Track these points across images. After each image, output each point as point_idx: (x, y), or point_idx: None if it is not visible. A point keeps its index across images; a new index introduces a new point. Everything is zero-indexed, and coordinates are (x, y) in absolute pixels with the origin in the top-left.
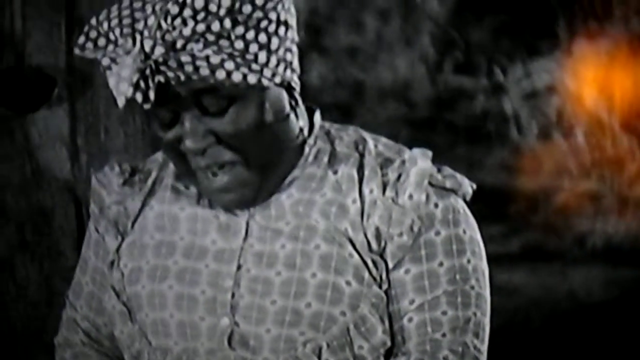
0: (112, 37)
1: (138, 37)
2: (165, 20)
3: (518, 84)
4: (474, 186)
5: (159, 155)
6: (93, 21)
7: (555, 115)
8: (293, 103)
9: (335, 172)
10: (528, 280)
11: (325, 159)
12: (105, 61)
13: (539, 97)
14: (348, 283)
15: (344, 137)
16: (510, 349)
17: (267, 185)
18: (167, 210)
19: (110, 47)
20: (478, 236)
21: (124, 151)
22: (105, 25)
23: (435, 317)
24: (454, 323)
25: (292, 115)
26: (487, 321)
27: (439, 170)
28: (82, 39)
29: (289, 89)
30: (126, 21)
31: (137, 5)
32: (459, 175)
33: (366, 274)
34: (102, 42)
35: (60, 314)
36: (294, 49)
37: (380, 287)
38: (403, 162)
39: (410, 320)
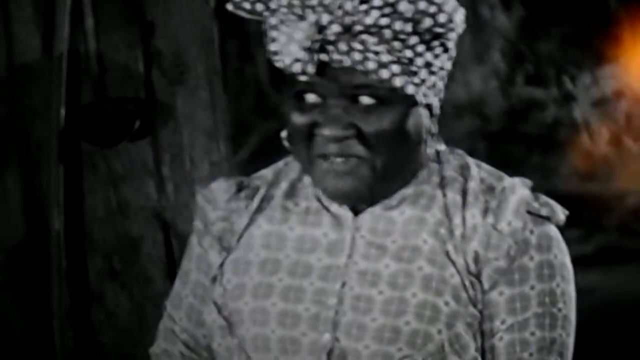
0: (272, 5)
1: (309, 11)
2: (352, 1)
3: (587, 91)
4: (567, 212)
5: (267, 172)
6: None
7: (624, 119)
8: (431, 130)
9: (444, 195)
10: (603, 281)
11: (436, 180)
12: (274, 20)
13: (608, 103)
14: (446, 303)
15: (452, 160)
16: (587, 349)
17: (379, 191)
18: (275, 229)
19: (267, 14)
20: (568, 261)
21: (210, 179)
22: None
23: (524, 338)
24: (540, 343)
25: (429, 139)
26: (571, 342)
27: (535, 198)
28: None
29: (432, 113)
30: None
31: None
32: (553, 203)
33: (463, 295)
34: (259, 6)
35: (152, 340)
36: (446, 79)
37: (475, 307)
38: (503, 189)
39: (500, 339)
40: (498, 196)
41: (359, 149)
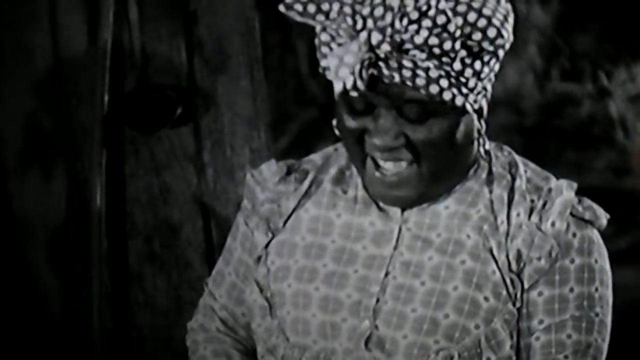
0: (324, 7)
1: (360, 21)
2: (401, 20)
3: (623, 87)
4: (608, 217)
5: (317, 157)
6: None
7: None
8: (480, 129)
9: (491, 191)
10: (638, 278)
11: (484, 176)
12: (325, 37)
13: None
14: (486, 298)
15: (500, 157)
16: (621, 345)
17: (429, 194)
18: (322, 214)
19: (320, 16)
20: (608, 266)
21: (250, 166)
22: None
23: (560, 339)
24: (576, 346)
25: (477, 142)
26: (605, 347)
27: (579, 202)
28: None
29: (479, 115)
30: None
31: None
32: (596, 207)
33: (503, 292)
34: (311, 8)
35: (188, 322)
36: (493, 78)
37: (514, 304)
38: (549, 190)
39: (537, 339)
40: (544, 197)
41: (407, 155)
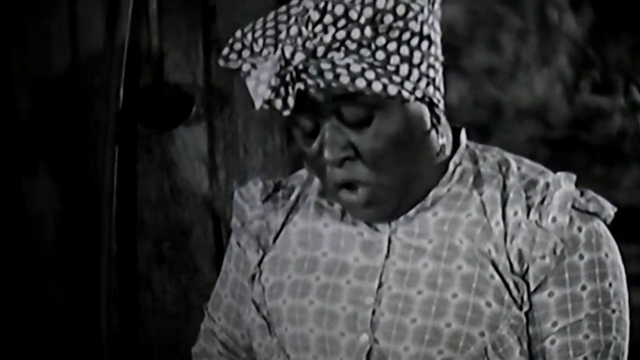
0: (255, 48)
1: (279, 45)
2: (307, 27)
3: None
4: (615, 209)
5: (303, 172)
6: (238, 34)
7: None
8: (434, 120)
9: (480, 194)
10: None
11: (471, 179)
12: (246, 67)
13: None
14: (488, 304)
15: (488, 157)
16: None
17: (407, 199)
18: (310, 226)
19: (253, 58)
20: (619, 259)
21: (263, 169)
22: (250, 36)
23: (578, 341)
24: (595, 347)
25: (433, 132)
26: (626, 345)
27: (581, 194)
28: (226, 50)
29: (431, 105)
30: (270, 32)
31: (282, 18)
32: (601, 199)
33: (506, 296)
34: (245, 53)
35: (196, 327)
36: (438, 66)
37: (520, 308)
38: (547, 184)
39: (552, 342)
40: (542, 192)
41: (362, 171)
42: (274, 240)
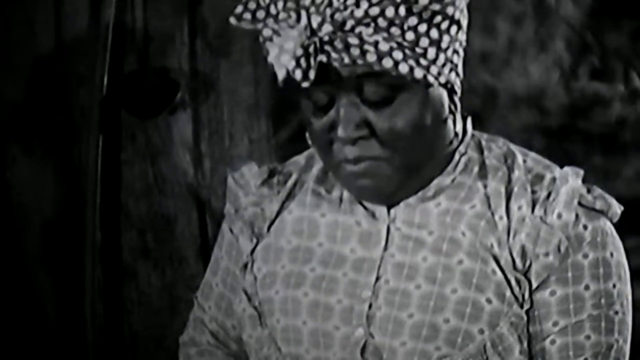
0: (272, 10)
1: (304, 12)
2: None
3: None
4: (622, 208)
5: (300, 158)
6: None
7: None
8: (453, 107)
9: (485, 186)
10: None
11: (476, 169)
12: (267, 32)
13: None
14: (488, 301)
15: (494, 148)
16: None
17: (409, 184)
18: (307, 215)
19: (270, 20)
20: (624, 260)
21: (248, 157)
22: None
23: (578, 341)
24: (596, 348)
25: (450, 120)
26: (627, 348)
27: (588, 190)
28: (239, 9)
29: (451, 91)
30: None
31: None
32: (607, 196)
33: (508, 293)
34: (260, 14)
35: (183, 320)
36: (461, 52)
37: (521, 306)
38: (553, 179)
39: (552, 342)
40: (547, 187)
41: (376, 149)
42: (269, 228)
